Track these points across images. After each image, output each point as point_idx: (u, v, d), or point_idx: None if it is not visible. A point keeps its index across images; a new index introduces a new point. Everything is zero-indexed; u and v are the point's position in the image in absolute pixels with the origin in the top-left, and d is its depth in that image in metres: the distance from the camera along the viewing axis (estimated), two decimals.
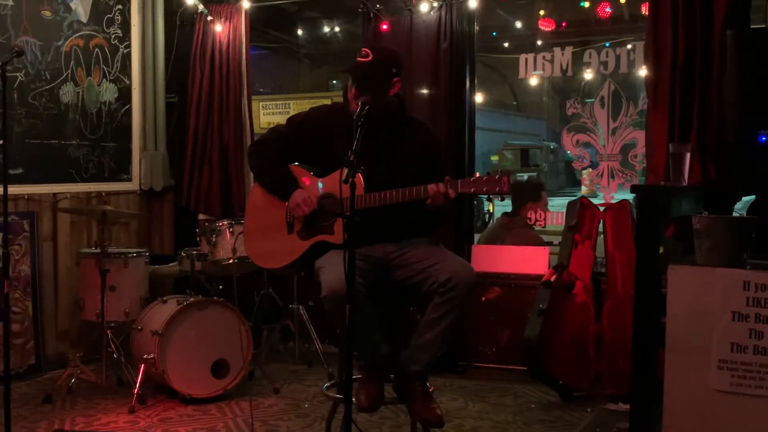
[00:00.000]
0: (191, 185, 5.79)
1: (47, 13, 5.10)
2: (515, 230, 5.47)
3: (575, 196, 5.41)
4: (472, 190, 3.19)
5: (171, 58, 5.98)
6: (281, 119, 6.20)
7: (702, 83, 4.18)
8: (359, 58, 3.43)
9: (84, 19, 5.36)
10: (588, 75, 5.30)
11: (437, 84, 5.13)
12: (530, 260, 5.14)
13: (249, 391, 4.60)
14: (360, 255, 3.14)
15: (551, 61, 5.23)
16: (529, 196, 5.45)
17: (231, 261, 4.58)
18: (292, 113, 5.79)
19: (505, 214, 5.70)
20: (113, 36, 5.59)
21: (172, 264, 5.22)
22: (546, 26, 7.24)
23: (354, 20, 7.69)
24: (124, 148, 5.73)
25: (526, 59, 5.29)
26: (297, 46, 11.19)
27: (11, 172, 4.78)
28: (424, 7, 5.16)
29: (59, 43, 5.18)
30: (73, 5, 5.27)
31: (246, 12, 5.70)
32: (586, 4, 7.29)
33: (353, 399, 3.27)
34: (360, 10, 5.37)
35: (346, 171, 2.84)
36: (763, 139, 3.64)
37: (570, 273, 4.54)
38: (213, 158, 5.73)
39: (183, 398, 4.39)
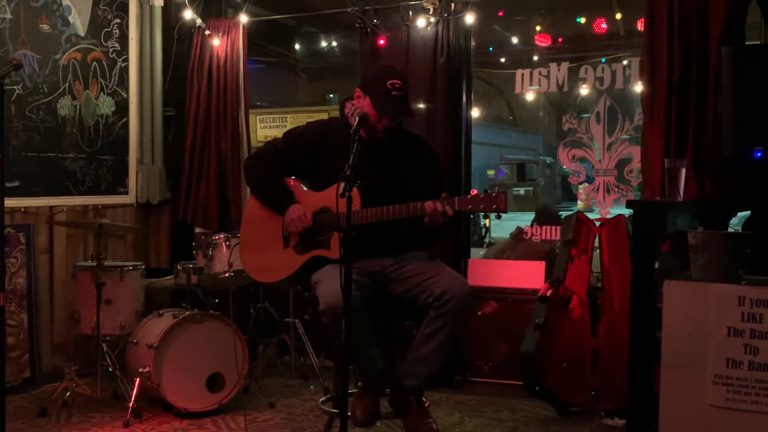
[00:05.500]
0: (188, 198, 5.79)
1: (45, 27, 5.11)
2: (529, 241, 5.48)
3: (571, 210, 5.42)
4: (470, 207, 3.19)
5: (168, 72, 5.99)
6: (278, 133, 6.20)
7: (698, 99, 4.20)
8: (395, 92, 3.40)
9: (82, 32, 5.37)
10: (584, 90, 5.32)
11: (434, 99, 5.14)
12: (526, 275, 5.15)
13: (244, 405, 4.59)
14: (357, 269, 3.15)
15: (547, 77, 5.26)
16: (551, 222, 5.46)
17: (227, 274, 4.58)
18: (289, 127, 5.81)
19: (519, 227, 5.71)
20: (111, 49, 5.60)
21: (168, 277, 5.22)
22: (542, 42, 7.26)
23: (351, 35, 7.70)
24: (121, 162, 5.73)
25: (523, 74, 5.32)
26: (294, 61, 11.21)
27: (8, 184, 4.78)
28: (421, 23, 5.18)
29: (57, 57, 5.19)
30: (71, 19, 5.29)
31: (244, 26, 5.72)
32: (583, 20, 7.32)
33: (349, 413, 3.27)
34: (357, 25, 5.39)
35: (342, 185, 2.85)
36: (758, 154, 3.66)
37: (566, 288, 4.54)
38: (210, 172, 5.73)
39: (178, 412, 4.38)
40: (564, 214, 5.30)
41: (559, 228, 5.20)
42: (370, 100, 3.42)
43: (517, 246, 5.58)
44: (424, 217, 3.22)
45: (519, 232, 5.62)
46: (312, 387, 4.94)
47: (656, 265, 3.37)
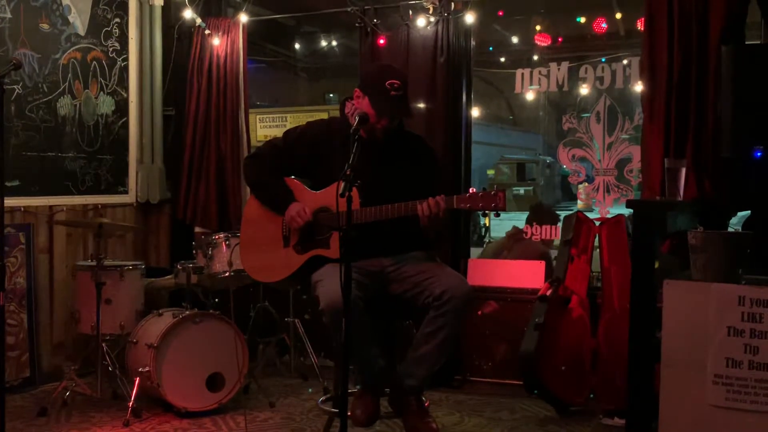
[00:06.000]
0: (188, 198, 5.79)
1: (45, 26, 5.11)
2: (524, 242, 5.48)
3: (571, 210, 5.42)
4: (468, 206, 3.19)
5: (168, 72, 5.99)
6: (278, 132, 6.19)
7: (697, 99, 4.20)
8: (393, 92, 3.39)
9: (82, 32, 5.37)
10: (584, 90, 5.32)
11: (434, 98, 5.14)
12: (526, 274, 5.14)
13: (244, 404, 4.59)
14: (357, 268, 3.15)
15: (547, 76, 5.25)
16: (548, 220, 5.46)
17: (227, 274, 4.58)
18: (289, 126, 5.81)
19: (515, 227, 5.73)
20: (111, 49, 5.60)
21: (168, 277, 5.22)
22: (542, 41, 7.27)
23: (351, 34, 7.71)
24: (121, 161, 5.73)
25: (523, 74, 5.31)
26: (294, 60, 11.22)
27: (8, 184, 4.77)
28: (421, 22, 5.18)
29: (57, 56, 5.19)
30: (71, 18, 5.29)
31: (243, 26, 5.72)
32: (582, 20, 7.32)
33: (349, 413, 3.27)
34: (357, 24, 5.38)
35: (342, 185, 2.85)
36: (758, 154, 3.66)
37: (566, 287, 4.54)
38: (210, 171, 5.73)
39: (178, 411, 4.38)
40: (562, 213, 5.29)
41: (555, 227, 5.20)
42: (368, 100, 3.42)
43: (515, 246, 5.58)
44: (421, 218, 3.22)
45: (516, 232, 5.62)
46: (310, 390, 4.92)
47: (656, 265, 3.37)
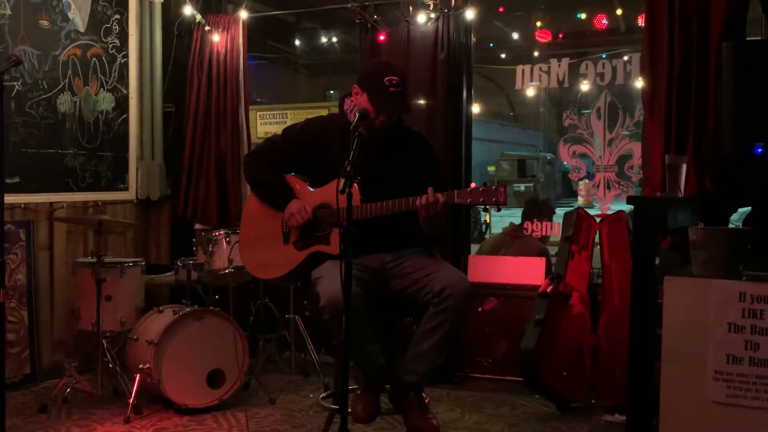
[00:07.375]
0: (188, 195, 5.78)
1: (45, 23, 5.10)
2: (521, 239, 5.48)
3: (572, 206, 5.42)
4: (469, 200, 3.18)
5: (168, 68, 5.98)
6: (278, 129, 6.20)
7: (698, 95, 4.19)
8: (392, 89, 3.37)
9: (82, 28, 5.37)
10: (584, 86, 5.32)
11: (434, 95, 5.14)
12: (527, 271, 5.14)
13: (245, 401, 4.60)
14: (357, 265, 3.14)
15: (548, 73, 5.25)
16: (544, 214, 5.46)
17: (227, 271, 4.58)
18: (289, 123, 5.81)
19: (512, 224, 5.73)
20: (111, 46, 5.60)
21: (168, 273, 5.22)
22: (543, 37, 7.28)
23: (351, 31, 7.71)
24: (121, 158, 5.73)
25: (523, 70, 5.30)
26: (294, 57, 11.22)
27: (8, 180, 4.77)
28: (421, 18, 5.17)
29: (57, 53, 5.19)
30: (70, 15, 5.28)
31: (244, 22, 5.71)
32: (583, 16, 7.32)
33: (349, 410, 3.27)
34: (357, 21, 5.38)
35: (342, 181, 2.85)
36: (759, 151, 3.66)
37: (566, 284, 4.54)
38: (210, 168, 5.73)
39: (178, 408, 4.38)
40: (563, 209, 5.29)
41: (554, 223, 5.20)
42: (367, 96, 3.41)
43: (513, 243, 5.57)
44: (419, 214, 3.21)
45: (514, 229, 5.61)
46: (311, 396, 4.87)
47: (656, 261, 3.36)
